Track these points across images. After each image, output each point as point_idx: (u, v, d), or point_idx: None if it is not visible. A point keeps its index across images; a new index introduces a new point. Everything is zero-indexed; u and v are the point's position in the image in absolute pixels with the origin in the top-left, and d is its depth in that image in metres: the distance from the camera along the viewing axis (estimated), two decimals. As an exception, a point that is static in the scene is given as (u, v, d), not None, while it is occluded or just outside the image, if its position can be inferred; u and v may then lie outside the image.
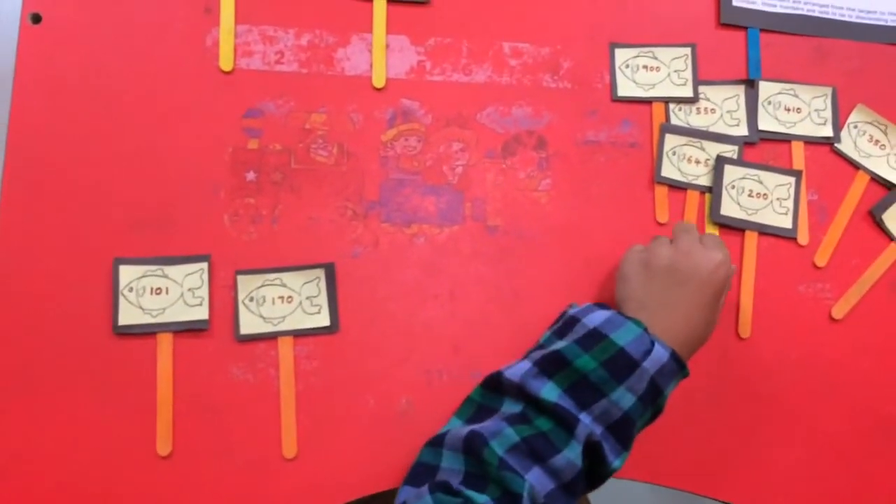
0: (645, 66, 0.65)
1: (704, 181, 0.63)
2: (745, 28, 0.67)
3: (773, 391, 0.61)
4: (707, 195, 0.63)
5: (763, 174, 0.63)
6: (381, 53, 0.62)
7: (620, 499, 1.15)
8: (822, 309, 0.63)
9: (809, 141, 0.65)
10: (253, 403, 0.55)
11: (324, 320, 0.57)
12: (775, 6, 0.68)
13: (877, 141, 0.66)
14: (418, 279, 0.59)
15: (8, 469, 0.52)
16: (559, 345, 0.51)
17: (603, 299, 0.60)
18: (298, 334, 0.56)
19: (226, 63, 0.60)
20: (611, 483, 0.51)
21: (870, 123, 0.66)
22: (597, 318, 0.51)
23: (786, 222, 0.62)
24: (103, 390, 0.54)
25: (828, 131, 0.65)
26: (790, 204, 0.63)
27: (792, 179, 0.63)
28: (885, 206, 0.64)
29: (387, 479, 0.55)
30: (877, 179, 0.65)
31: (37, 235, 0.56)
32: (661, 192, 0.63)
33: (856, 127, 0.66)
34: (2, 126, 0.57)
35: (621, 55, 0.65)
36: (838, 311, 0.62)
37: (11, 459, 0.52)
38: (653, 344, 0.49)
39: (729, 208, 0.62)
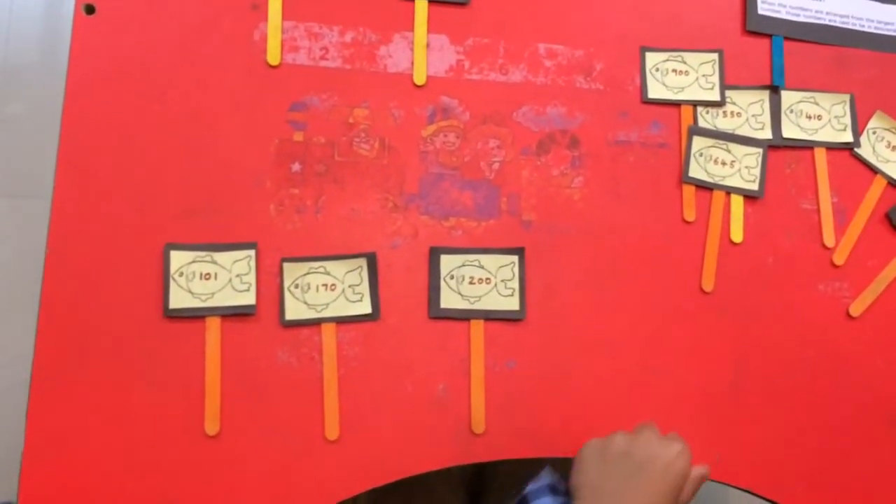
0: (674, 70, 0.67)
1: (730, 182, 0.65)
2: (770, 36, 0.69)
3: (791, 385, 0.63)
4: (732, 195, 0.65)
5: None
6: (421, 52, 0.64)
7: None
8: (840, 306, 0.65)
9: (830, 147, 0.68)
10: (297, 386, 0.57)
11: (365, 308, 0.59)
12: (799, 15, 0.70)
13: (894, 147, 0.68)
14: (455, 270, 0.61)
15: (61, 445, 0.54)
16: None
17: (628, 294, 0.63)
18: (341, 321, 0.58)
19: (273, 58, 0.62)
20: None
21: (888, 130, 0.69)
22: None
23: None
24: (154, 371, 0.56)
25: (847, 137, 0.68)
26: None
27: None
28: (901, 209, 0.67)
29: (424, 463, 0.58)
30: (893, 184, 0.68)
31: (90, 221, 0.57)
32: (688, 191, 0.65)
33: (874, 133, 0.69)
34: (56, 114, 0.58)
35: (651, 59, 0.67)
36: (855, 309, 0.65)
37: (65, 436, 0.54)
38: None
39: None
